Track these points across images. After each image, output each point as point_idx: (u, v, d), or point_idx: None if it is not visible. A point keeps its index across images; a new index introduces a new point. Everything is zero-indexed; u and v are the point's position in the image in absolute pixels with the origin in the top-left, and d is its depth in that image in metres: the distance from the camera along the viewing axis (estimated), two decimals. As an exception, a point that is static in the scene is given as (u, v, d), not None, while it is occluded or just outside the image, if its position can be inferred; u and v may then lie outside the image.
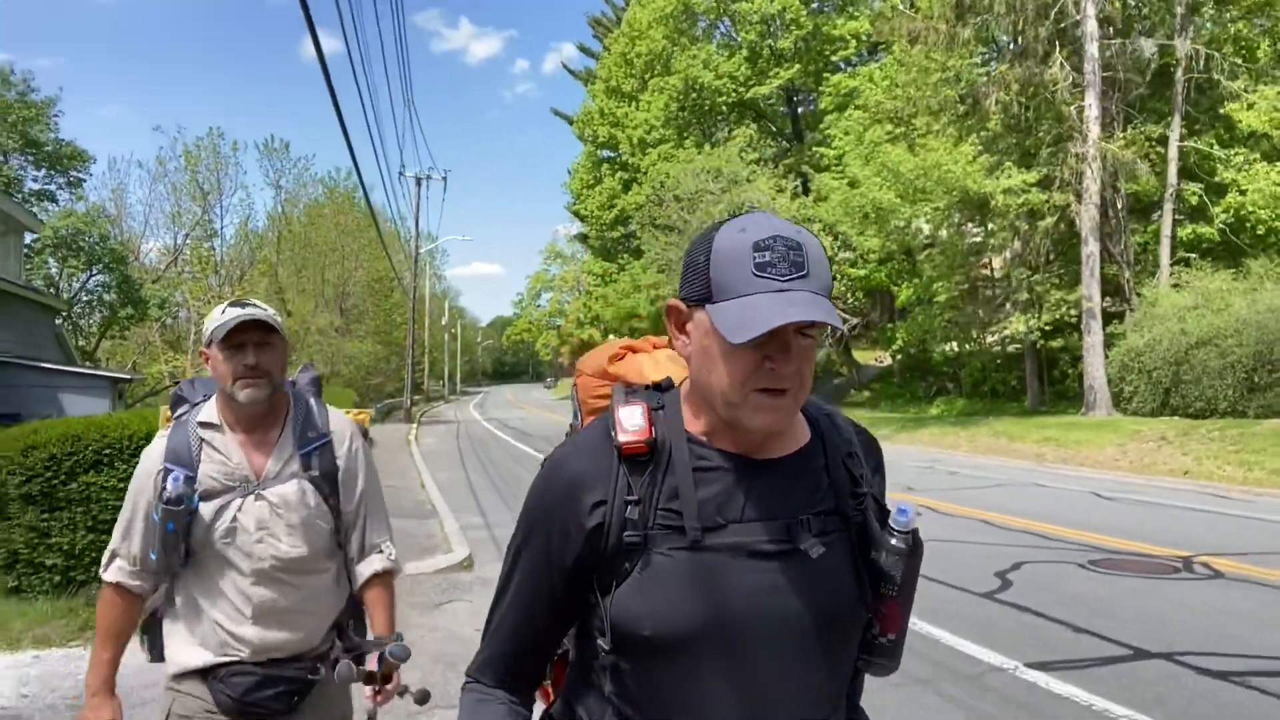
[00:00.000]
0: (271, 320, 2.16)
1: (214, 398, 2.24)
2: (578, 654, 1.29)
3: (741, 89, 33.93)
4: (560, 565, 1.20)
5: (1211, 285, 20.30)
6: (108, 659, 2.19)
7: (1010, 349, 27.50)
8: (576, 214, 48.97)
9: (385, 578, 2.34)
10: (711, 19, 35.87)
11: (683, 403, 1.24)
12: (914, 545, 1.21)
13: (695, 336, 1.18)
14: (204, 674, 2.16)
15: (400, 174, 34.77)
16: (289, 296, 37.05)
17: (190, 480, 2.11)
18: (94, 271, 32.18)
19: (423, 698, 2.13)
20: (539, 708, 1.38)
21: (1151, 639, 5.49)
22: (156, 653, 2.27)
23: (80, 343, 32.84)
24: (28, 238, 19.10)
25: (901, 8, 25.78)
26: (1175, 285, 21.73)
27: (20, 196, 32.49)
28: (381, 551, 2.35)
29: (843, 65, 32.49)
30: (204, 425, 2.19)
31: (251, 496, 2.16)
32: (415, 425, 31.51)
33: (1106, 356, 21.18)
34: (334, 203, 38.55)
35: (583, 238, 54.22)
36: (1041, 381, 25.94)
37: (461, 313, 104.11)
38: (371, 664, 2.13)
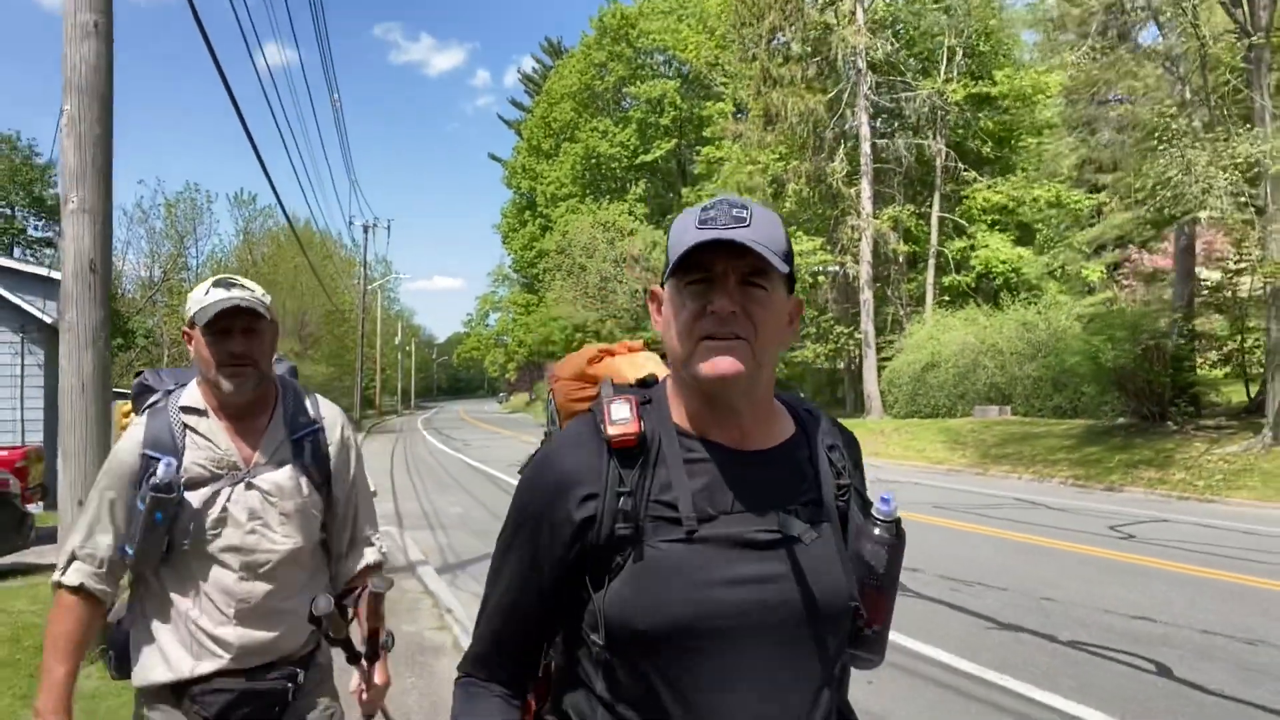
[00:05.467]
0: (259, 305, 2.00)
1: (194, 381, 2.09)
2: (566, 656, 1.26)
3: (632, 156, 41.24)
4: (550, 560, 1.19)
5: (947, 323, 27.69)
6: (63, 675, 1.89)
7: (839, 365, 34.91)
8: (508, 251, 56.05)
9: (376, 570, 2.23)
10: (608, 98, 43.22)
11: (669, 396, 1.25)
12: (897, 534, 1.21)
13: (664, 310, 1.21)
14: (177, 691, 1.99)
15: (349, 222, 41.32)
16: (255, 326, 43.10)
17: (175, 468, 1.94)
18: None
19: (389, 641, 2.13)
20: None
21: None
22: (122, 668, 2.06)
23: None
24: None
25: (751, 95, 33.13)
26: (936, 323, 29.14)
27: (25, 242, 38.53)
28: (373, 544, 2.26)
29: (711, 138, 39.86)
30: (186, 410, 2.03)
31: (241, 485, 2.01)
32: (364, 433, 38.04)
33: (880, 375, 28.50)
34: (294, 244, 44.67)
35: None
36: (858, 393, 33.34)
37: (417, 330, 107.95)
38: (362, 656, 2.06)
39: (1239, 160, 13.29)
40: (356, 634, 2.05)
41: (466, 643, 5.22)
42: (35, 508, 10.32)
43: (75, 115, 5.41)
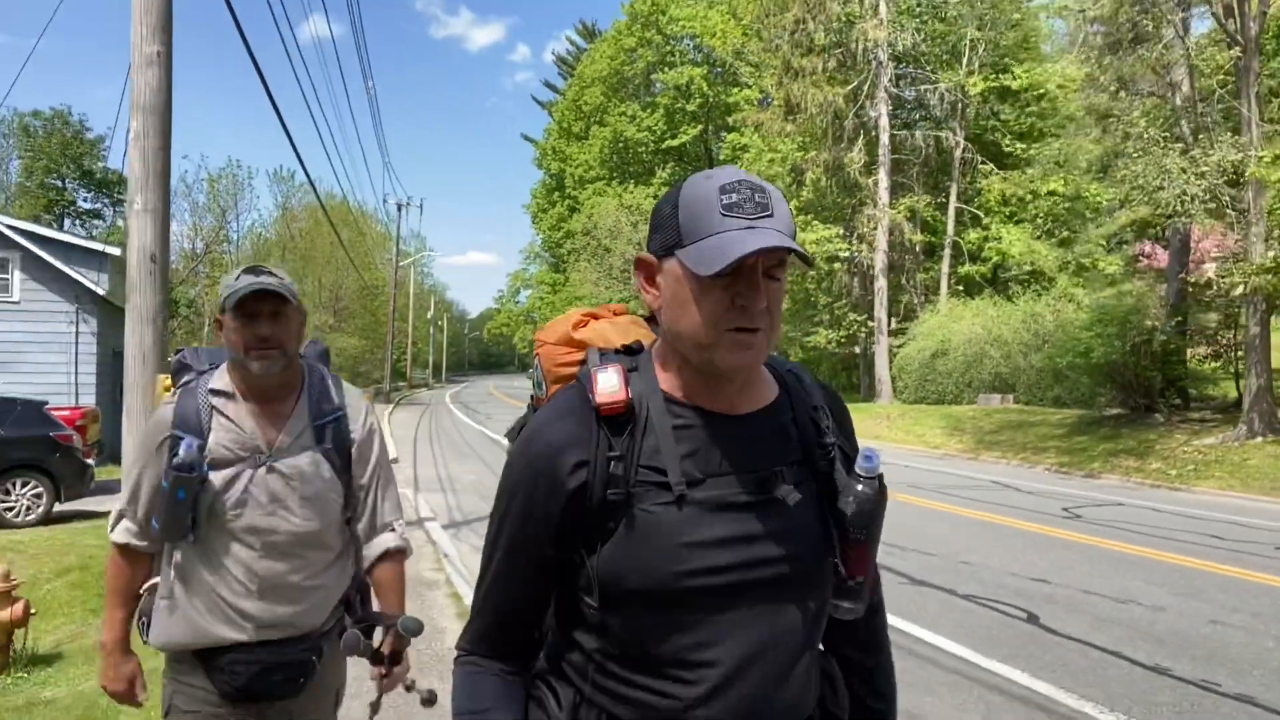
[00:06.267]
0: (285, 290, 2.09)
1: (225, 365, 2.18)
2: (560, 619, 1.29)
3: (659, 141, 42.12)
4: (545, 528, 1.21)
5: (959, 312, 28.32)
6: (121, 617, 2.19)
7: (855, 350, 35.66)
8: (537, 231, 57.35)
9: (397, 557, 2.32)
10: (637, 83, 44.07)
11: (654, 363, 1.27)
12: (880, 489, 1.24)
13: (666, 286, 1.20)
14: (204, 659, 2.11)
15: (384, 200, 42.60)
16: (292, 299, 44.82)
17: (200, 448, 2.04)
18: (134, 276, 39.98)
19: (430, 699, 2.05)
20: None
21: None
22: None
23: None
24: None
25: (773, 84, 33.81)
26: (949, 312, 29.78)
27: (75, 214, 40.31)
28: (394, 530, 2.32)
29: (736, 126, 40.58)
30: (215, 393, 2.14)
31: (263, 469, 2.11)
32: (392, 405, 39.55)
33: (891, 361, 29.26)
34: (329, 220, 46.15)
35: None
36: (871, 378, 34.10)
37: (450, 306, 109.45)
38: (381, 643, 2.13)
39: (1214, 167, 13.91)
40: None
41: (458, 580, 6.59)
42: (92, 461, 11.63)
43: (140, 131, 6.48)
